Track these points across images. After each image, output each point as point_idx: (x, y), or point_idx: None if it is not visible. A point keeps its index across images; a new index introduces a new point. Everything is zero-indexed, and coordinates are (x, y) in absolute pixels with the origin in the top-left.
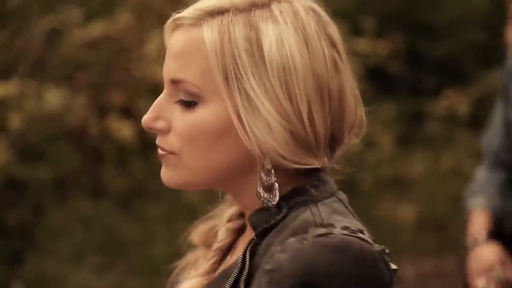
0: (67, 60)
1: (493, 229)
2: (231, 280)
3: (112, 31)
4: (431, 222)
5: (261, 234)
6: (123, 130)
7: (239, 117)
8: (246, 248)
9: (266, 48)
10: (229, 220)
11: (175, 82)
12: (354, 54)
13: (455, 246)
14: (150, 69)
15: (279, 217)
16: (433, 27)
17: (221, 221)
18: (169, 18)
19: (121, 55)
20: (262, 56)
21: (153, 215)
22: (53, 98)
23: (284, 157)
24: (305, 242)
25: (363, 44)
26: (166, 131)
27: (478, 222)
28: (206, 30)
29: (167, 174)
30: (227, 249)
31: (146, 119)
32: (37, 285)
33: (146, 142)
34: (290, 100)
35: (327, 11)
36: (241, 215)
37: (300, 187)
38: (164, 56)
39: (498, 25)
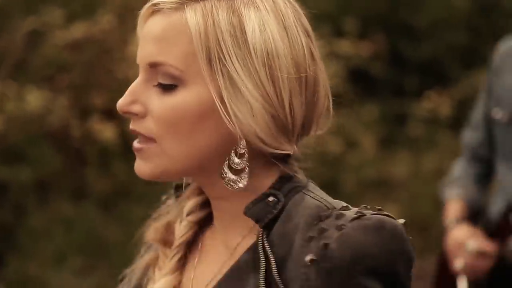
0: (48, 61)
1: (469, 220)
2: (262, 274)
3: (94, 32)
4: (414, 223)
5: (267, 225)
6: (106, 131)
7: (221, 100)
8: (262, 240)
9: (249, 33)
10: (188, 213)
11: (154, 66)
12: (337, 56)
13: (438, 247)
14: (133, 70)
15: (279, 207)
16: (415, 29)
17: (176, 216)
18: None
19: (103, 56)
20: (245, 40)
21: (136, 217)
22: (34, 99)
23: (263, 141)
24: (344, 227)
25: (346, 46)
26: (142, 115)
27: (453, 210)
28: (190, 14)
29: (144, 166)
30: (189, 244)
31: (121, 102)
32: (19, 287)
33: (129, 144)
34: (274, 84)
35: (309, 13)
36: (201, 207)
37: (286, 175)
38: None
39: (479, 27)
